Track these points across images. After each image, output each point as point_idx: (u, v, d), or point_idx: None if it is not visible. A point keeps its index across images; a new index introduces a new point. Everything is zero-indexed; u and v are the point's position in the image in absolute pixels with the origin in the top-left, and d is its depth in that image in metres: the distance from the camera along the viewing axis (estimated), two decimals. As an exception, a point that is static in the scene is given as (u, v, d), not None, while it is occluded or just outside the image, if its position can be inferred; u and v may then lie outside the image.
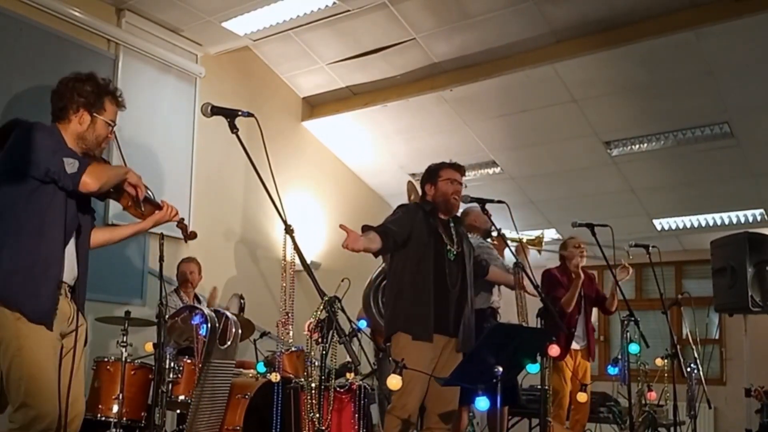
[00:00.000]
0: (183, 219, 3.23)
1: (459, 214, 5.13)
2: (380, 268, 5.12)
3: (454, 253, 3.93)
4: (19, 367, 2.59)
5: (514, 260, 4.19)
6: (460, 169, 4.09)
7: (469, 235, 5.12)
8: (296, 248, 2.63)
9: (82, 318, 2.87)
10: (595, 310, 5.81)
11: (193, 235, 3.27)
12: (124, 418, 4.17)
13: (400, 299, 3.85)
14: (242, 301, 5.78)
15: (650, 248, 4.73)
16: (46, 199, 2.70)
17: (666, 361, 4.93)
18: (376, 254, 3.93)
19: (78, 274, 2.86)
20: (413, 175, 7.78)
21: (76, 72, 2.92)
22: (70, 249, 2.81)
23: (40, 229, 2.69)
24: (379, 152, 7.82)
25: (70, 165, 2.68)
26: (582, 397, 4.69)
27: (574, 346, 5.50)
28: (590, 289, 5.59)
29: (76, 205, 2.83)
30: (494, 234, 4.92)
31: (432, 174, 4.07)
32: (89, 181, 2.70)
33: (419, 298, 3.77)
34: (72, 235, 2.81)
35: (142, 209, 3.00)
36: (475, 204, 3.92)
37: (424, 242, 3.86)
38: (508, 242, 4.57)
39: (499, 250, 5.20)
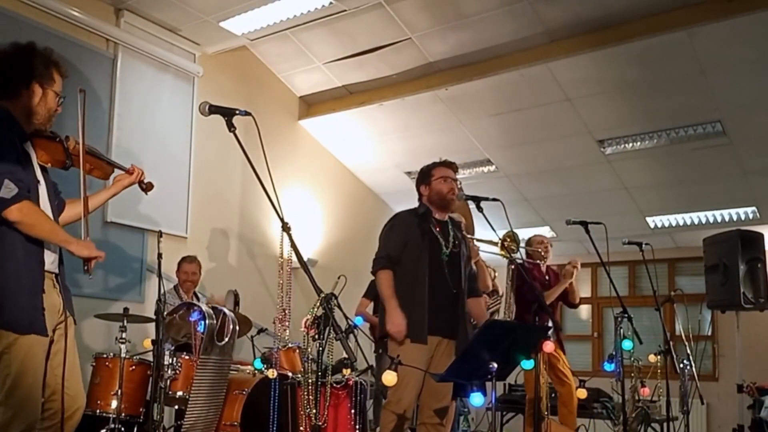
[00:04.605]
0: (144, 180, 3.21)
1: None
2: None
3: (448, 254, 3.94)
4: (8, 365, 2.56)
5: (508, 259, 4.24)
6: (451, 166, 4.12)
7: None
8: (293, 246, 2.67)
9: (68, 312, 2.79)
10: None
11: (150, 186, 3.23)
12: (123, 414, 4.24)
13: None
14: (237, 297, 5.83)
15: (643, 245, 4.75)
16: None
17: (659, 357, 4.96)
18: None
19: (59, 258, 2.81)
20: (409, 173, 7.85)
21: (14, 42, 2.79)
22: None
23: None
24: (375, 150, 7.86)
25: (7, 190, 2.56)
26: (581, 393, 4.72)
27: None
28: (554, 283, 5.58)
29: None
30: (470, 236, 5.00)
31: (425, 175, 4.11)
32: (16, 216, 2.58)
33: (413, 302, 3.79)
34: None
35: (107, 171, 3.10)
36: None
37: (418, 246, 3.89)
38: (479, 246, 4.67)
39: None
